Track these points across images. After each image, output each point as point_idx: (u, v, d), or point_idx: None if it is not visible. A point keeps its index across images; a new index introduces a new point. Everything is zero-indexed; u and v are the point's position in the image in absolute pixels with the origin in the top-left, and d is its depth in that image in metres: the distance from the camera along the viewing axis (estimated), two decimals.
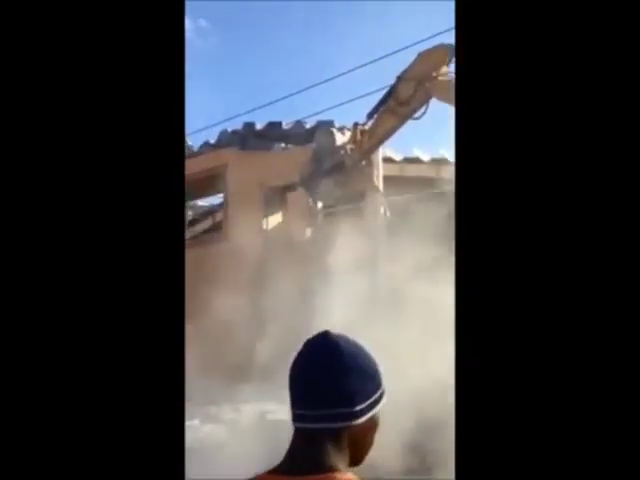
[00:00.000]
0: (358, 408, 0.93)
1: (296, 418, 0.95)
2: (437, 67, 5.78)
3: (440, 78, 5.65)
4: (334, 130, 7.63)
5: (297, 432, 0.94)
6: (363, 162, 7.83)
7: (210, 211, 11.68)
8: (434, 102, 5.94)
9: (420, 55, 5.95)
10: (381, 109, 6.09)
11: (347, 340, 0.98)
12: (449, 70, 5.87)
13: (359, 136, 6.44)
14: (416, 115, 5.96)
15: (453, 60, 5.78)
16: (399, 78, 5.96)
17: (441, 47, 5.90)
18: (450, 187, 7.61)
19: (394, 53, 6.04)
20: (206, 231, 11.18)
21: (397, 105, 5.89)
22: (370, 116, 6.28)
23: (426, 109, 5.90)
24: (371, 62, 6.11)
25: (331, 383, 0.92)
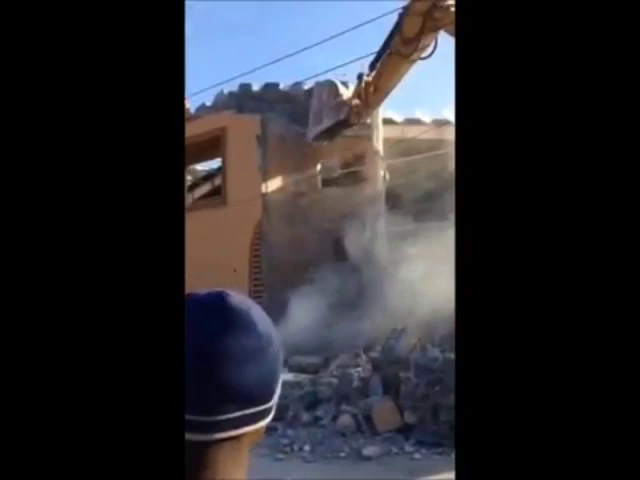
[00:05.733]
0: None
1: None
2: None
3: (452, 9, 5.06)
4: (337, 83, 7.24)
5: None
6: (369, 120, 7.50)
7: (209, 175, 11.59)
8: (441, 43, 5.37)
9: None
10: (385, 53, 5.61)
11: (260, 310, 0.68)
12: None
13: (363, 90, 5.93)
14: (424, 55, 5.36)
15: None
16: (402, 14, 5.34)
17: None
18: (452, 149, 7.48)
19: (400, 9, 5.62)
20: (205, 196, 11.11)
21: (403, 45, 5.23)
22: (373, 66, 5.74)
23: (435, 46, 5.24)
24: (375, 19, 5.71)
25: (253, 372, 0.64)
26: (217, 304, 0.65)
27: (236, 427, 0.63)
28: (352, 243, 7.84)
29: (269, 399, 0.66)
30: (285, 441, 5.16)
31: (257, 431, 0.66)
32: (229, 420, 0.63)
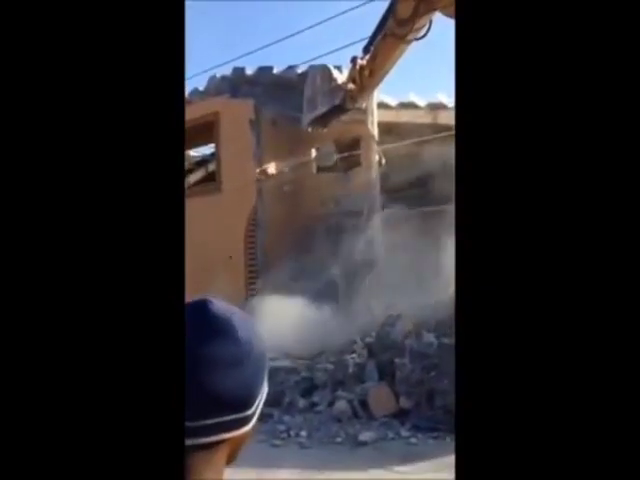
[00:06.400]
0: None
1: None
2: None
3: None
4: (331, 68, 7.20)
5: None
6: (364, 104, 7.44)
7: (203, 161, 11.50)
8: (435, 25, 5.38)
9: None
10: (379, 36, 5.68)
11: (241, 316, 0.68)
12: None
13: (358, 74, 5.93)
14: (419, 35, 5.49)
15: None
16: None
17: None
18: (447, 133, 7.46)
19: None
20: (199, 182, 11.03)
21: (397, 26, 5.22)
22: (367, 49, 5.85)
23: (429, 27, 5.44)
24: (369, 1, 5.59)
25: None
26: (199, 311, 0.65)
27: (215, 433, 0.63)
28: (347, 230, 7.81)
29: (249, 406, 0.65)
30: (282, 427, 5.17)
31: (237, 438, 0.65)
32: (207, 426, 0.62)
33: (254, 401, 0.66)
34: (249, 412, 0.65)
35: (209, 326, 0.64)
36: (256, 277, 8.69)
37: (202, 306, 0.66)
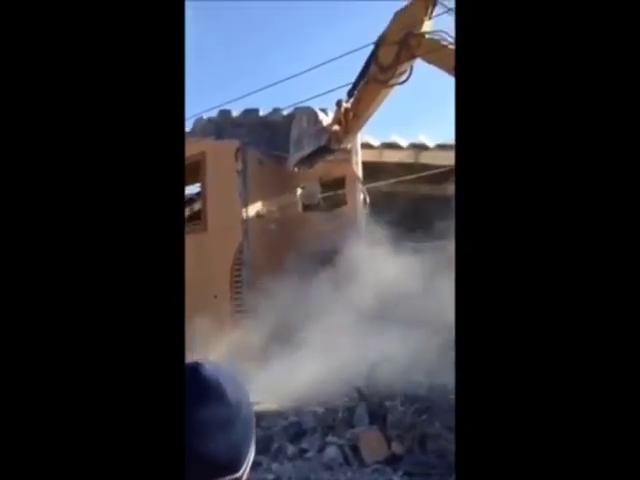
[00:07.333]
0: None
1: None
2: (418, 22, 5.43)
3: (427, 36, 5.34)
4: (317, 110, 7.37)
5: None
6: (349, 145, 7.60)
7: (189, 200, 11.48)
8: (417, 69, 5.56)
9: (397, 14, 5.59)
10: (362, 81, 5.79)
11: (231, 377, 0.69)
12: (439, 34, 5.46)
13: (343, 117, 6.10)
14: (400, 80, 5.60)
15: (434, 14, 5.39)
16: (378, 44, 5.58)
17: (418, 1, 5.50)
18: (428, 172, 7.57)
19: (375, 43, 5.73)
20: (185, 221, 10.98)
21: (380, 72, 5.54)
22: (351, 93, 5.96)
23: (410, 72, 5.57)
24: (352, 52, 5.81)
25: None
26: (190, 376, 0.67)
27: None
28: (333, 268, 7.80)
29: (238, 468, 0.67)
30: (270, 477, 5.02)
31: None
32: None
33: (243, 462, 0.67)
34: (238, 474, 0.67)
35: (199, 390, 0.65)
36: (243, 316, 8.59)
37: (193, 370, 0.67)
